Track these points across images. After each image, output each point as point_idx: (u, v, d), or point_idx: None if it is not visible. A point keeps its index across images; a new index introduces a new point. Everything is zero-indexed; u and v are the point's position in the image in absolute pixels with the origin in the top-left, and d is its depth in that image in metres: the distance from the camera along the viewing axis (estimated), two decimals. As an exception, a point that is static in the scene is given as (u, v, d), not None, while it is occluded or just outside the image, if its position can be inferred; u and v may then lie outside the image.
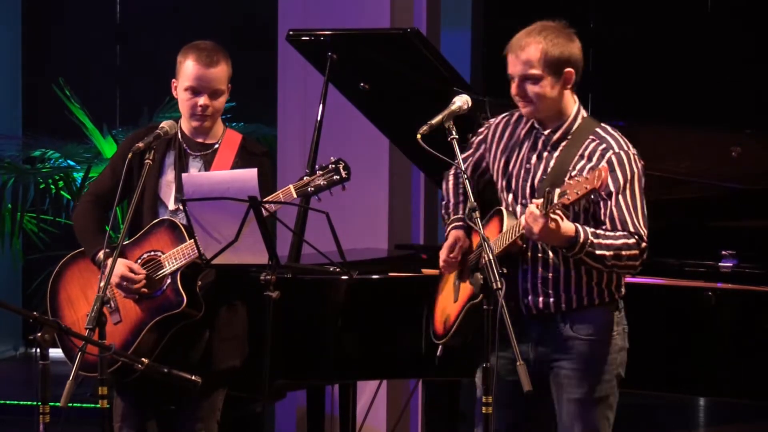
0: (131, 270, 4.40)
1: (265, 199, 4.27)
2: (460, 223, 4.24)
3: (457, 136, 3.99)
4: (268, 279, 4.26)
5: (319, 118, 5.34)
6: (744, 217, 5.34)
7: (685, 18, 8.67)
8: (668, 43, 8.67)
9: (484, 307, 3.80)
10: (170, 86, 4.57)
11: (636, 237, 3.90)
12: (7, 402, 7.75)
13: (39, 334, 3.64)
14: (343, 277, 4.86)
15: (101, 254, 4.40)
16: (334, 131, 6.07)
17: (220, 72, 4.47)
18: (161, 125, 4.40)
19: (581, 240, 3.83)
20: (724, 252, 5.09)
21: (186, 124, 4.55)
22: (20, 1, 9.67)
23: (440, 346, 4.26)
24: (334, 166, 4.39)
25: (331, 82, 5.38)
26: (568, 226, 3.81)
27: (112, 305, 4.42)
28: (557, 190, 3.72)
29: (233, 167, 4.48)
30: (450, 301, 4.23)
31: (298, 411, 6.51)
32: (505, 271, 3.81)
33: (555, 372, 4.05)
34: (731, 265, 5.04)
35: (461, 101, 4.05)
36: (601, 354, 4.03)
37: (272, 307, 4.27)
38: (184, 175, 4.42)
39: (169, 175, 4.52)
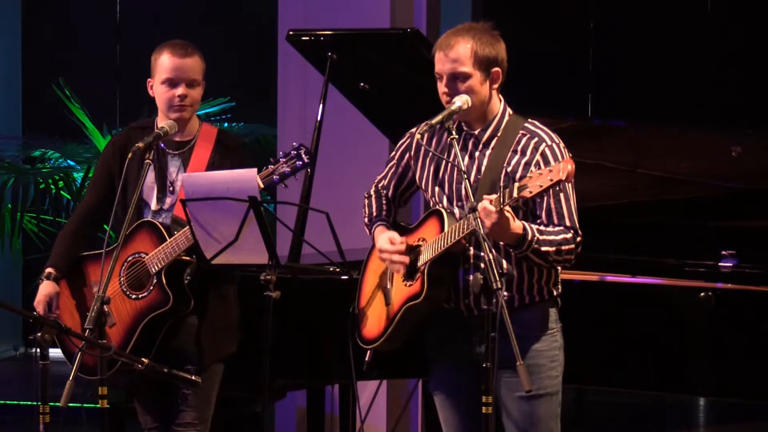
0: (53, 297, 4.53)
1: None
2: (384, 222, 4.28)
3: (456, 136, 3.99)
4: (268, 279, 4.27)
5: (319, 118, 5.34)
6: (744, 217, 5.34)
7: (685, 18, 8.67)
8: (668, 43, 8.67)
9: (484, 306, 3.80)
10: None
11: (572, 231, 3.95)
12: (7, 402, 7.76)
13: (39, 334, 3.64)
14: (343, 277, 4.87)
15: (45, 271, 4.58)
16: (334, 131, 6.07)
17: (195, 62, 4.55)
18: (161, 125, 4.43)
19: (529, 237, 3.86)
20: (724, 252, 5.09)
21: (164, 121, 4.55)
22: (20, 1, 9.67)
23: (369, 352, 4.23)
24: (295, 152, 4.41)
25: (331, 82, 5.38)
26: (517, 224, 3.84)
27: (105, 308, 4.41)
28: (516, 185, 3.73)
29: (209, 163, 4.52)
30: (380, 304, 4.19)
31: (298, 411, 6.51)
32: (504, 271, 3.81)
33: (501, 371, 3.96)
34: (731, 265, 5.04)
35: (461, 101, 4.04)
36: (545, 350, 4.05)
37: (272, 307, 4.27)
38: (184, 175, 4.44)
39: (150, 175, 4.53)
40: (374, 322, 4.20)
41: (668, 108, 8.52)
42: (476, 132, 4.05)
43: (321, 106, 5.35)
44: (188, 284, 4.46)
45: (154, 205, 4.55)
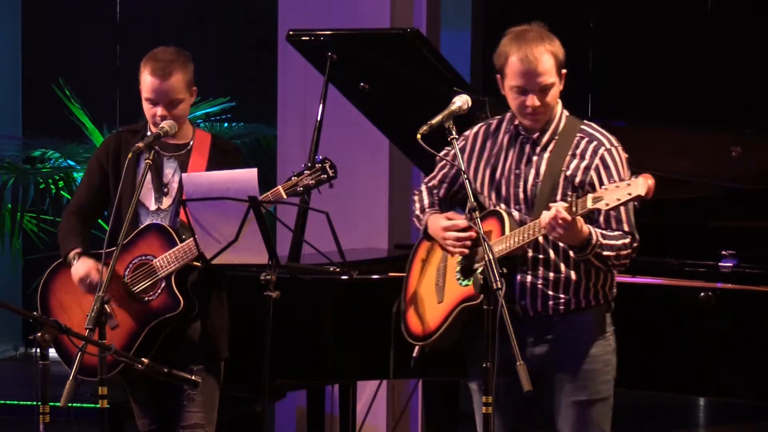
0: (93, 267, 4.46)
1: (263, 198, 4.30)
2: (436, 210, 4.21)
3: (457, 136, 3.99)
4: (268, 279, 4.27)
5: (319, 118, 5.34)
6: (744, 217, 5.34)
7: (685, 18, 8.67)
8: (668, 43, 8.67)
9: (484, 307, 3.80)
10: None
11: (630, 236, 3.96)
12: (7, 402, 7.75)
13: (39, 334, 3.64)
14: (343, 277, 4.87)
15: (72, 253, 4.49)
16: (334, 131, 6.07)
17: (176, 83, 4.47)
18: (161, 125, 4.43)
19: (593, 241, 3.87)
20: (724, 252, 5.09)
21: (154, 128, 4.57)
22: (20, 1, 9.67)
23: (417, 348, 4.19)
24: (320, 165, 4.43)
25: (331, 82, 5.38)
26: (584, 228, 3.85)
27: (107, 310, 4.40)
28: (590, 196, 3.75)
29: (208, 165, 4.51)
30: (431, 301, 4.17)
31: (298, 411, 6.51)
32: (504, 271, 3.81)
33: (556, 375, 4.05)
34: (731, 265, 5.04)
35: (461, 101, 4.04)
36: (600, 355, 4.05)
37: (272, 307, 4.27)
38: (183, 175, 4.44)
39: (146, 178, 4.52)
40: (424, 318, 4.17)
41: (668, 108, 8.52)
42: (534, 136, 4.05)
43: (321, 106, 5.35)
44: (192, 288, 4.46)
45: (151, 206, 4.55)
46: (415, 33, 5.27)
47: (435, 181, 4.28)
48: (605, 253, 3.90)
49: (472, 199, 3.90)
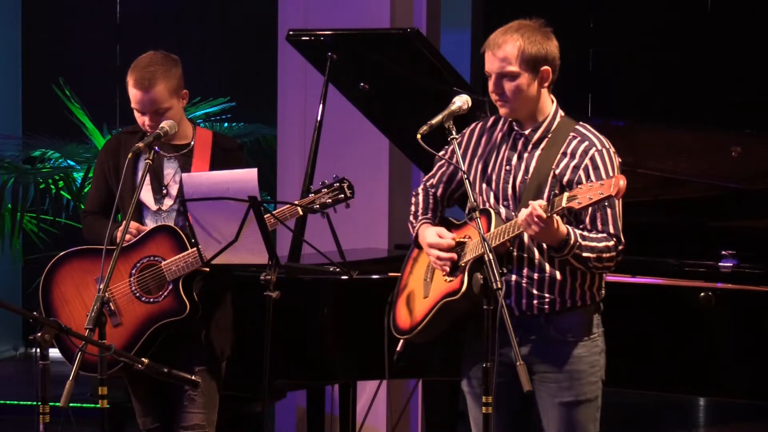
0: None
1: (278, 213, 4.37)
2: (429, 221, 4.22)
3: (457, 136, 3.99)
4: (268, 279, 4.27)
5: (319, 118, 5.34)
6: (744, 217, 5.35)
7: (685, 18, 8.68)
8: (668, 43, 8.67)
9: (484, 307, 3.80)
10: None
11: (615, 239, 3.93)
12: (7, 402, 7.76)
13: (39, 334, 3.64)
14: (343, 277, 4.87)
15: (117, 233, 4.41)
16: (334, 131, 6.07)
17: (158, 93, 4.45)
18: (161, 125, 4.42)
19: (572, 242, 3.85)
20: (724, 252, 5.09)
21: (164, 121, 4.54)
22: (20, 1, 9.67)
23: (401, 342, 4.20)
24: (338, 184, 4.48)
25: (331, 82, 5.38)
26: (561, 228, 3.83)
27: (111, 307, 4.42)
28: (565, 194, 3.74)
29: (211, 163, 4.51)
30: (418, 296, 4.18)
31: (298, 411, 6.51)
32: (505, 270, 3.81)
33: (541, 376, 4.02)
34: (731, 265, 5.04)
35: (461, 101, 4.05)
36: (587, 356, 4.02)
37: (272, 307, 4.27)
38: (184, 175, 4.44)
39: (146, 178, 4.51)
40: (410, 313, 4.18)
41: (668, 108, 8.53)
42: (526, 132, 4.04)
43: (321, 106, 5.35)
44: (197, 292, 4.46)
45: (152, 207, 4.55)
46: (415, 33, 5.27)
47: (434, 180, 4.28)
48: (584, 254, 3.87)
49: (473, 199, 3.90)
